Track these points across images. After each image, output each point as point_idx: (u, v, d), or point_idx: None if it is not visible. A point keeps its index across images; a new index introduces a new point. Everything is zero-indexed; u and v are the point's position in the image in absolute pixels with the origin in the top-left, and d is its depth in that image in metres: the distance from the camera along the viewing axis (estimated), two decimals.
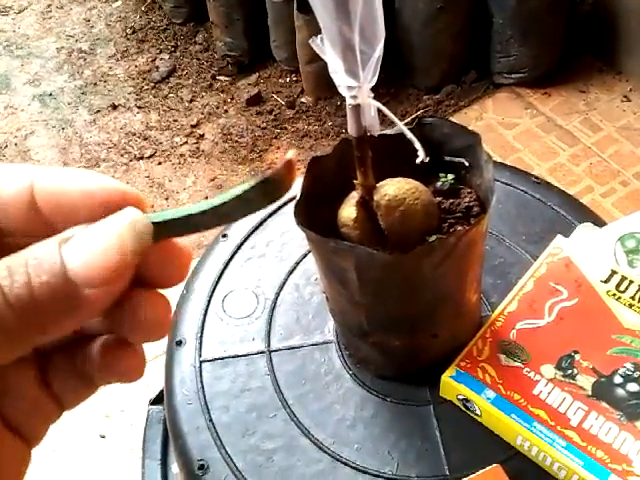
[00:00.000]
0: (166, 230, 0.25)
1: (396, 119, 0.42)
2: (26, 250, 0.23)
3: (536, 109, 1.67)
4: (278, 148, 1.72)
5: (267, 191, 0.25)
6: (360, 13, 0.35)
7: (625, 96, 1.67)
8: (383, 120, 0.44)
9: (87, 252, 0.22)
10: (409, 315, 0.55)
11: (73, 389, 0.26)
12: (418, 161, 0.44)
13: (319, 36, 0.39)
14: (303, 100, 1.81)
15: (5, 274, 0.22)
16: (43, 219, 0.24)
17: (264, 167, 1.68)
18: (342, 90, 0.39)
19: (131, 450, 1.18)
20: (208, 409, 0.65)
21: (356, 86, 0.38)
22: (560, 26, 1.66)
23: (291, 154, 0.24)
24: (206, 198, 1.65)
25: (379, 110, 0.43)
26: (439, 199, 0.53)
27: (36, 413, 0.26)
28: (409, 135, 0.43)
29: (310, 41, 0.40)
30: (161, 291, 0.26)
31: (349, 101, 0.40)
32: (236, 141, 1.75)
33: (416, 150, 0.46)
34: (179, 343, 0.71)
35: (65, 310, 0.23)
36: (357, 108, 0.41)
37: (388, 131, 0.51)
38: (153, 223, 0.24)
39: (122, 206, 0.24)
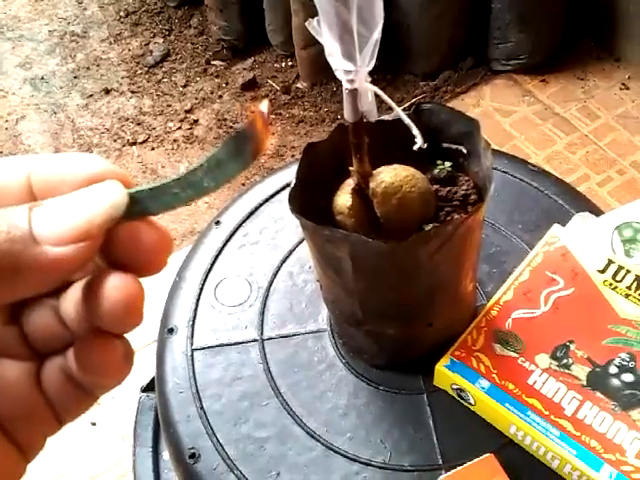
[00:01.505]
0: (142, 205, 0.24)
1: (394, 104, 0.41)
2: None
3: (534, 96, 1.66)
4: (273, 134, 1.71)
5: (239, 149, 0.23)
6: None
7: (623, 84, 1.66)
8: (380, 106, 0.44)
9: (55, 213, 0.23)
10: (404, 304, 0.54)
11: (68, 397, 0.26)
12: (416, 147, 0.44)
13: (315, 18, 0.38)
14: (299, 85, 1.79)
15: None
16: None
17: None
18: (339, 74, 0.38)
19: (122, 437, 1.18)
20: (200, 397, 0.65)
21: (353, 70, 0.37)
22: (559, 12, 1.65)
23: (264, 106, 0.23)
24: None
25: (376, 95, 0.42)
26: (436, 187, 0.53)
27: (31, 419, 0.25)
28: (407, 121, 0.42)
29: (306, 23, 0.39)
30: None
31: (346, 85, 0.39)
32: (230, 127, 1.74)
33: (414, 137, 0.45)
34: (171, 331, 0.70)
35: (28, 266, 0.22)
36: (354, 93, 0.40)
37: (385, 117, 0.50)
38: (129, 194, 0.23)
39: None
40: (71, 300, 0.25)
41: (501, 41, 1.67)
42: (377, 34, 0.36)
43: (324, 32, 0.36)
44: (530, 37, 1.64)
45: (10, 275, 0.22)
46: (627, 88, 1.65)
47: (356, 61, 0.37)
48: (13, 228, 0.22)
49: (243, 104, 1.79)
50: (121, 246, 0.24)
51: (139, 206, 0.24)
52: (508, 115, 1.62)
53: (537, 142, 1.56)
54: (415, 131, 0.42)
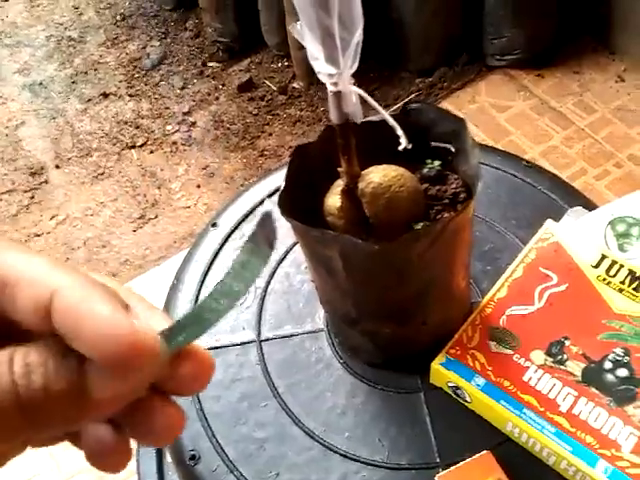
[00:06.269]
0: (185, 333, 0.25)
1: (378, 106, 0.41)
2: (47, 347, 0.22)
3: (529, 91, 1.66)
4: (270, 134, 1.71)
5: (257, 246, 0.25)
6: None
7: (619, 76, 1.66)
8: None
9: (107, 373, 0.22)
10: (397, 303, 0.54)
11: None
12: (400, 148, 0.44)
13: (298, 22, 0.39)
14: (295, 85, 1.80)
15: (22, 372, 0.21)
16: (55, 328, 0.23)
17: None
18: (322, 77, 0.39)
19: None
20: (199, 399, 0.65)
21: (336, 73, 0.38)
22: (552, 6, 1.64)
23: (268, 206, 0.26)
24: (198, 187, 1.64)
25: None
26: (426, 185, 0.53)
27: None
28: (391, 122, 0.43)
29: (290, 27, 0.39)
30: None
31: (330, 88, 0.39)
32: (228, 128, 1.74)
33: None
34: None
35: (70, 416, 0.22)
36: (338, 95, 0.40)
37: (373, 117, 0.50)
38: (167, 334, 0.24)
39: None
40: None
41: (495, 37, 1.67)
42: (358, 37, 0.36)
43: (307, 36, 0.37)
44: (524, 32, 1.63)
45: (53, 424, 0.22)
46: (623, 81, 1.64)
47: (339, 64, 0.37)
48: (68, 385, 0.22)
49: (240, 105, 1.79)
50: (166, 380, 0.25)
51: (182, 336, 0.25)
52: (504, 110, 1.62)
53: (533, 137, 1.56)
54: (399, 132, 0.42)
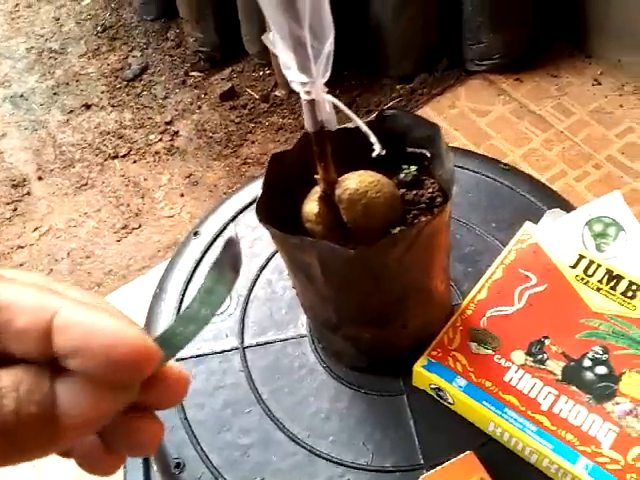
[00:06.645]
0: None
1: (351, 113, 0.42)
2: (19, 372, 0.22)
3: (509, 95, 1.68)
4: (253, 142, 1.72)
5: (222, 272, 0.26)
6: (308, 9, 0.35)
7: (595, 79, 1.68)
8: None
9: (79, 396, 0.23)
10: (377, 307, 0.55)
11: None
12: (374, 155, 0.44)
13: (271, 32, 0.39)
14: (277, 93, 1.80)
15: None
16: (50, 351, 0.23)
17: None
18: (295, 86, 0.39)
19: None
20: (183, 407, 0.66)
21: (309, 82, 0.38)
22: (529, 12, 1.67)
23: (232, 230, 0.26)
24: (182, 196, 1.64)
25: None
26: (403, 190, 0.54)
27: None
28: (364, 128, 0.43)
29: (263, 37, 0.40)
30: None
31: (303, 97, 0.40)
32: (210, 137, 1.74)
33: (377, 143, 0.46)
34: None
35: (43, 441, 0.23)
36: (312, 103, 0.40)
37: (349, 125, 0.51)
38: None
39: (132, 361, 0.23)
40: None
41: (474, 42, 1.68)
42: (329, 46, 0.36)
43: (279, 46, 0.37)
44: (502, 37, 1.65)
45: (30, 447, 0.23)
46: (599, 84, 1.67)
47: (311, 73, 0.38)
48: (39, 409, 0.22)
49: (222, 114, 1.79)
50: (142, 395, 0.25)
51: None
52: (484, 115, 1.64)
53: (513, 140, 1.58)
54: (373, 138, 0.43)
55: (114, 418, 0.24)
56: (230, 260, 0.26)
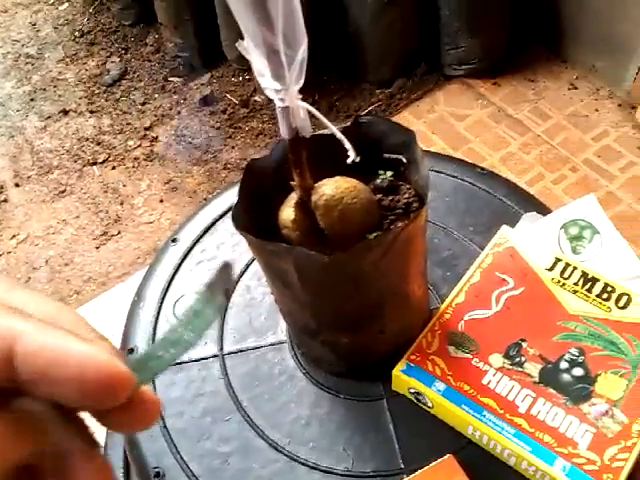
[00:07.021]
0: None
1: (325, 120, 0.42)
2: None
3: (487, 99, 1.69)
4: (233, 148, 1.71)
5: (213, 295, 0.26)
6: (281, 17, 0.35)
7: (572, 84, 1.70)
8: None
9: None
10: (353, 312, 0.55)
11: None
12: (349, 161, 0.45)
13: (245, 40, 0.39)
14: (257, 99, 1.80)
15: None
16: (14, 377, 0.22)
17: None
18: (269, 93, 0.39)
19: None
20: (162, 416, 0.65)
21: (282, 89, 0.38)
22: (506, 17, 1.68)
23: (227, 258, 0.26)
24: (161, 202, 1.63)
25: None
26: (379, 196, 0.54)
27: None
28: (339, 135, 0.44)
29: (237, 44, 0.40)
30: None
31: (278, 104, 0.40)
32: (190, 142, 1.74)
33: (353, 149, 0.46)
34: (131, 351, 0.70)
35: None
36: (286, 110, 0.41)
37: (325, 131, 0.51)
38: None
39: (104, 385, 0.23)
40: None
41: (452, 47, 1.70)
42: (302, 54, 0.37)
43: (252, 53, 0.37)
44: (480, 42, 1.67)
45: None
46: (575, 88, 1.69)
47: (285, 80, 0.38)
48: None
49: (202, 119, 1.79)
50: (114, 418, 0.24)
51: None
52: (462, 119, 1.65)
53: (492, 144, 1.59)
54: (347, 145, 0.43)
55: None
56: (223, 285, 0.26)
